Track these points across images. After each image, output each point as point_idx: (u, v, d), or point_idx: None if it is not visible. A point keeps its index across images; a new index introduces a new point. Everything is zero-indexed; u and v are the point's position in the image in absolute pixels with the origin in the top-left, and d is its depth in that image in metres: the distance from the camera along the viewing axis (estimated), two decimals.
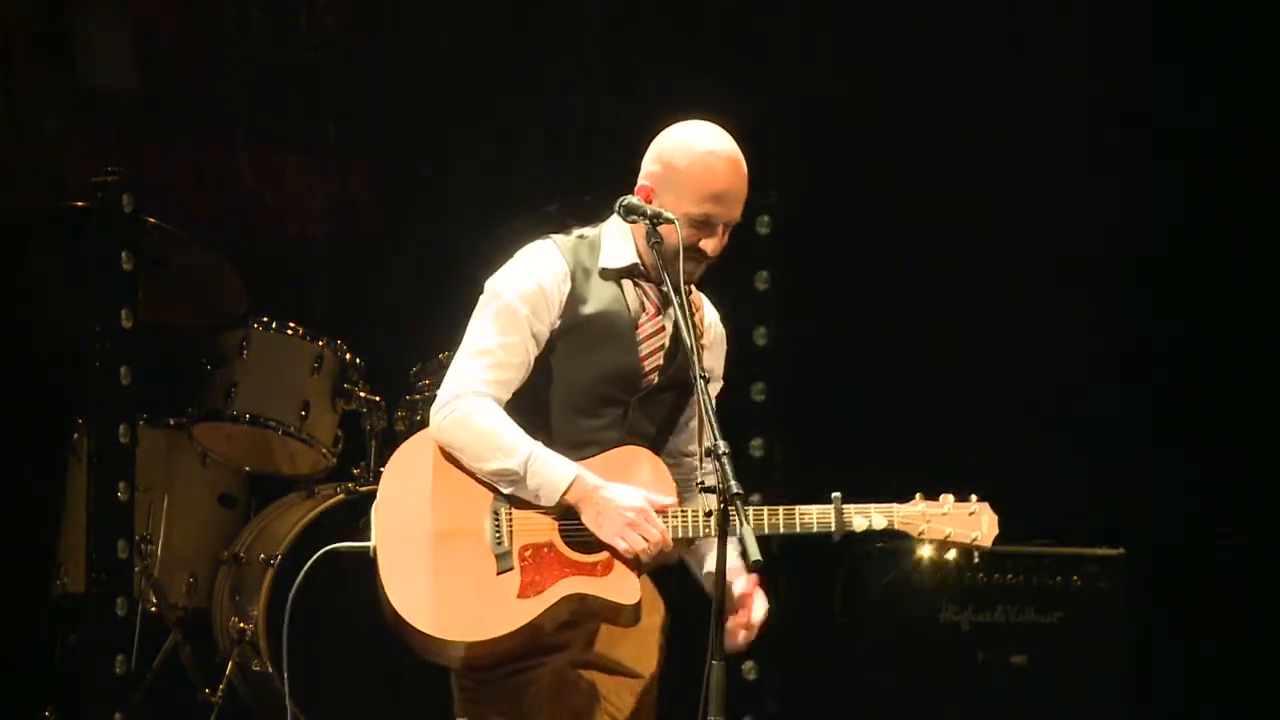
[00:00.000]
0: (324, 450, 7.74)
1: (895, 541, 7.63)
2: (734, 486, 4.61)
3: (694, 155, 4.94)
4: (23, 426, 7.94)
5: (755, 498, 7.77)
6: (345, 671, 7.17)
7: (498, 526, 4.89)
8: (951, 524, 4.98)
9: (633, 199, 4.95)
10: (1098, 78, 8.33)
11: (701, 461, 4.75)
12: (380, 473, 5.31)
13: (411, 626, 4.86)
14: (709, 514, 4.84)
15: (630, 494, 4.86)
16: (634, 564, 4.86)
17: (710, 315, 5.17)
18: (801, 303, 8.17)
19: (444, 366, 5.49)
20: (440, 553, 4.89)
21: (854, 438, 8.27)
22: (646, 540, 4.82)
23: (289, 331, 7.75)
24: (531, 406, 4.96)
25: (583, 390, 4.96)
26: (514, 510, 4.92)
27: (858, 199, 8.39)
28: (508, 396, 4.94)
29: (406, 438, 5.18)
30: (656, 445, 5.04)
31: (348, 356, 7.76)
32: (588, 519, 4.86)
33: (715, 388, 5.14)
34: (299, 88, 8.51)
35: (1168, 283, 8.29)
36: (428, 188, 8.35)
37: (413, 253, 8.24)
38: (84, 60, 8.37)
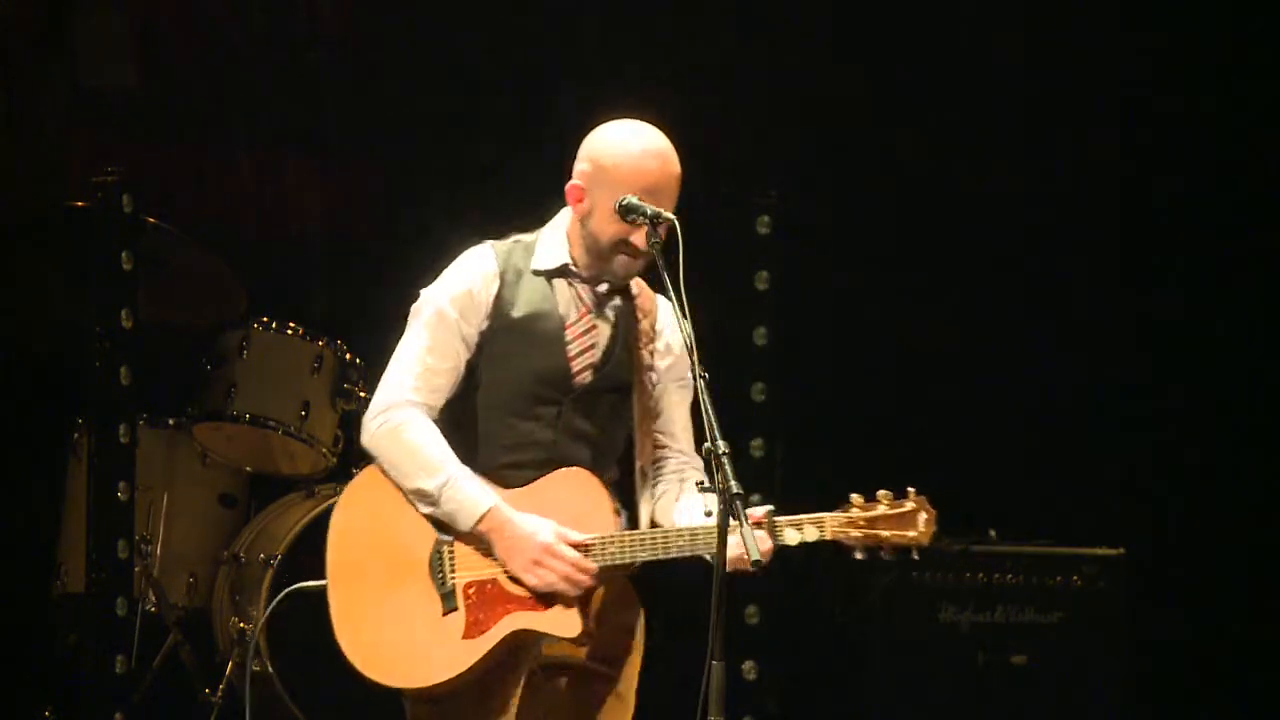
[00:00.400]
0: (324, 450, 7.74)
1: None
2: (734, 486, 4.59)
3: (622, 151, 4.93)
4: (23, 426, 7.94)
5: (755, 498, 7.80)
6: (344, 672, 7.16)
7: (440, 564, 4.88)
8: (887, 526, 4.86)
9: (631, 198, 4.93)
10: (1099, 77, 8.33)
11: (705, 456, 4.68)
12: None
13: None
14: (663, 531, 4.83)
15: (541, 528, 4.82)
16: (572, 595, 4.80)
17: (665, 319, 5.08)
18: (801, 303, 8.17)
19: None
20: (387, 594, 4.87)
21: (854, 438, 8.27)
22: (555, 575, 4.79)
23: (289, 331, 7.75)
24: (467, 409, 4.96)
25: (514, 391, 4.94)
26: (457, 545, 4.88)
27: (857, 199, 8.40)
28: (441, 403, 4.93)
29: None
30: (601, 446, 4.98)
31: (348, 356, 7.76)
32: (499, 552, 4.83)
33: (686, 395, 5.08)
34: (299, 88, 8.51)
35: (1168, 283, 8.29)
36: (428, 188, 8.35)
37: (412, 253, 8.23)
38: (84, 60, 8.37)
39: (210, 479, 7.87)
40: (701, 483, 4.70)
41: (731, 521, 4.57)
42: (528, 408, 4.93)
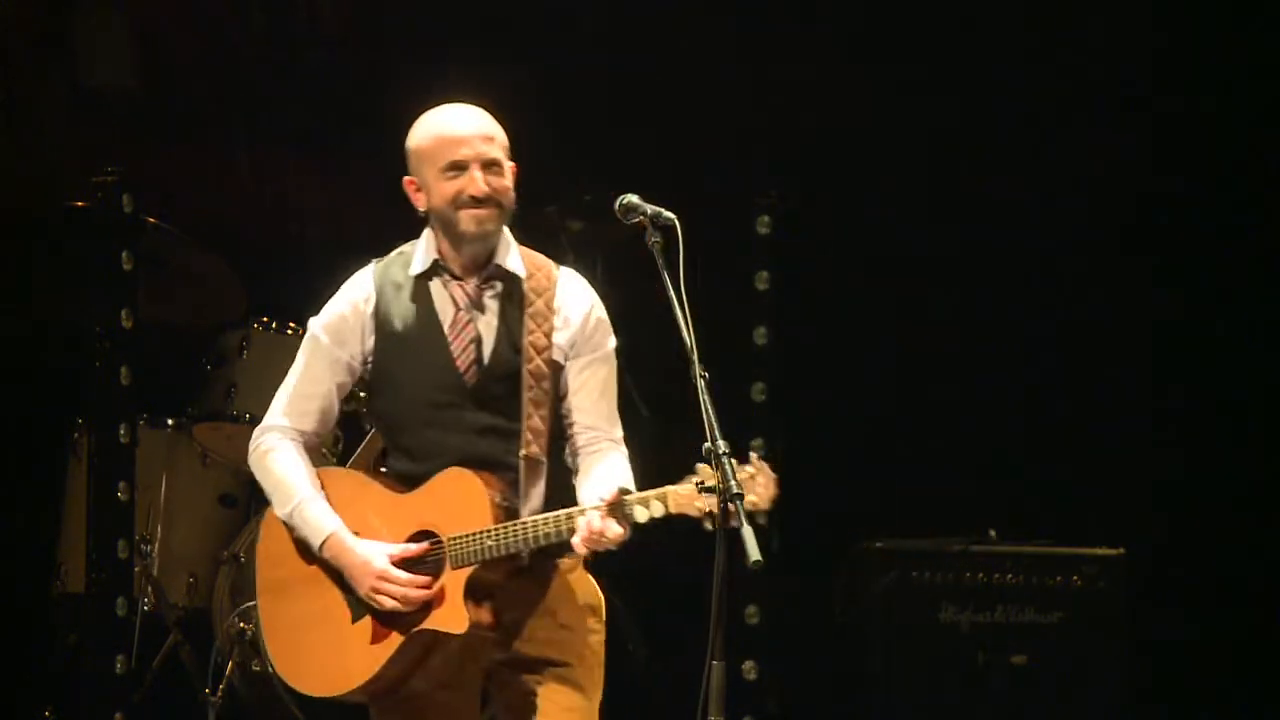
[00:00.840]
0: (324, 450, 7.74)
1: (895, 541, 7.67)
2: (734, 487, 4.60)
3: (422, 128, 5.09)
4: (23, 426, 7.94)
5: (754, 497, 7.78)
6: None
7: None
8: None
9: (631, 198, 4.96)
10: (1099, 77, 8.33)
11: (705, 456, 4.67)
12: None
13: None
14: (528, 520, 4.85)
15: (373, 555, 4.94)
16: (468, 590, 4.87)
17: (565, 295, 5.11)
18: (801, 303, 8.17)
19: None
20: (307, 606, 5.02)
21: (854, 438, 8.27)
22: (392, 598, 4.90)
23: (289, 331, 7.75)
24: (389, 426, 5.10)
25: (413, 400, 5.03)
26: None
27: (857, 199, 8.40)
28: (318, 425, 5.13)
29: None
30: (510, 437, 4.99)
31: None
32: (345, 576, 4.98)
33: (598, 369, 5.08)
34: (299, 88, 8.51)
35: (1168, 283, 8.29)
36: None
37: None
38: (84, 60, 8.37)
39: (210, 479, 7.87)
40: (701, 483, 4.67)
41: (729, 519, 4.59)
42: (431, 414, 5.01)
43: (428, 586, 4.90)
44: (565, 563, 5.03)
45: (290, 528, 5.06)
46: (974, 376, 8.28)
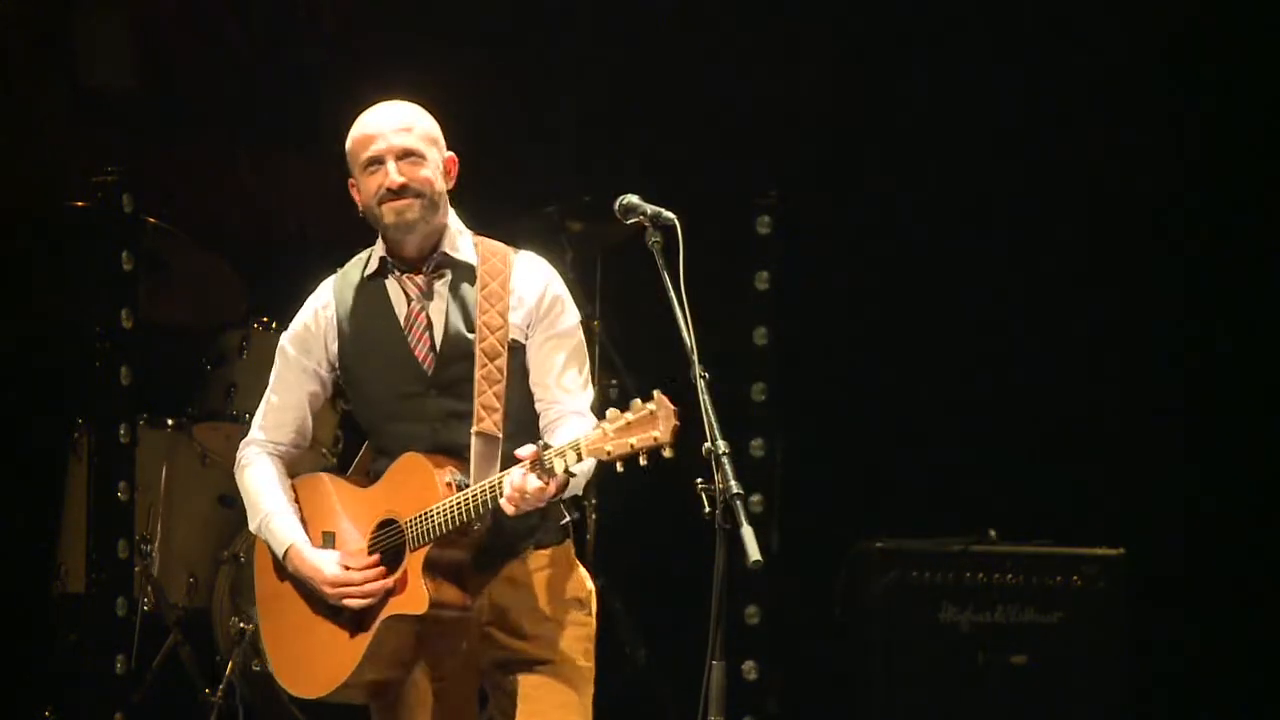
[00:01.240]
0: (324, 450, 7.74)
1: (895, 541, 7.67)
2: (734, 486, 4.60)
3: (351, 131, 5.18)
4: (23, 426, 7.94)
5: (755, 497, 7.79)
6: None
7: None
8: (634, 433, 4.71)
9: (631, 198, 4.97)
10: (1099, 77, 8.33)
11: (705, 456, 4.67)
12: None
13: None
14: (466, 493, 4.87)
15: (324, 563, 5.02)
16: (425, 569, 4.91)
17: (520, 275, 5.11)
18: (801, 303, 8.17)
19: None
20: (294, 611, 5.08)
21: (854, 437, 8.27)
22: (352, 600, 4.97)
23: None
24: (368, 431, 5.16)
25: (381, 397, 5.08)
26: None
27: (857, 199, 8.40)
28: (296, 436, 5.21)
29: None
30: (468, 421, 5.00)
31: None
32: (308, 586, 5.05)
33: (557, 344, 5.07)
34: (299, 88, 8.51)
35: (1168, 282, 8.29)
36: None
37: None
38: (84, 60, 8.37)
39: (210, 479, 7.86)
40: (704, 483, 4.67)
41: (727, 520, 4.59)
42: (397, 407, 5.05)
43: (386, 575, 4.95)
44: (552, 553, 5.05)
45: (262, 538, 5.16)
46: (974, 377, 8.28)
